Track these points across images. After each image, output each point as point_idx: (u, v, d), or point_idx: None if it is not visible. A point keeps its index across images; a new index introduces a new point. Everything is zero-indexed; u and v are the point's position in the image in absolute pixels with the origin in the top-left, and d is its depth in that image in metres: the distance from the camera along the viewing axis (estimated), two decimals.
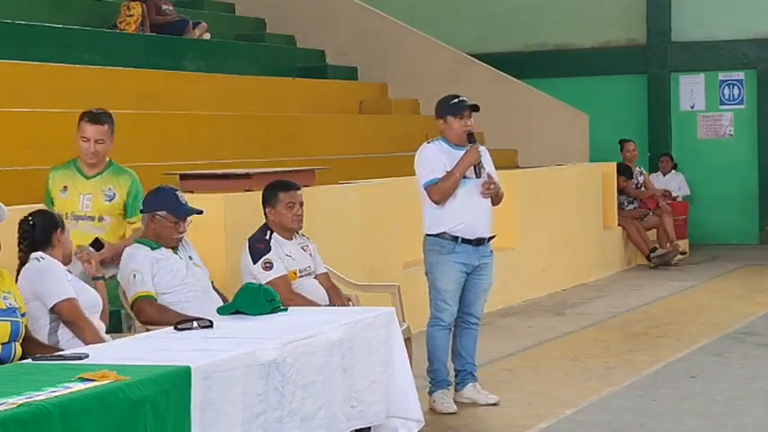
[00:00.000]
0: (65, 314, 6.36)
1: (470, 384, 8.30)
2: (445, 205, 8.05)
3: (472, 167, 8.04)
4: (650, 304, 12.77)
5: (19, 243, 6.51)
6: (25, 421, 4.29)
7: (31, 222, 6.54)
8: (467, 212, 8.06)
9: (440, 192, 8.02)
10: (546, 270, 13.62)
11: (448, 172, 8.01)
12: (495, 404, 8.21)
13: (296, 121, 13.68)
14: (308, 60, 16.60)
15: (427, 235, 8.17)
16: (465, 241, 8.09)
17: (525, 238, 13.24)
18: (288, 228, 7.85)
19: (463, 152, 8.04)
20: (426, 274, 8.24)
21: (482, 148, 8.16)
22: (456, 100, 8.16)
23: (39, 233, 6.49)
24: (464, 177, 8.04)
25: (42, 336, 6.33)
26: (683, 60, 18.61)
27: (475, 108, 8.14)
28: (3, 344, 5.90)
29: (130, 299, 7.15)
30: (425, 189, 8.06)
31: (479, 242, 8.15)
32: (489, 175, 8.10)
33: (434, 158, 8.06)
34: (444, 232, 8.08)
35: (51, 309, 6.35)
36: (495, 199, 8.23)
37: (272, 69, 15.11)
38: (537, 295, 13.25)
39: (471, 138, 8.09)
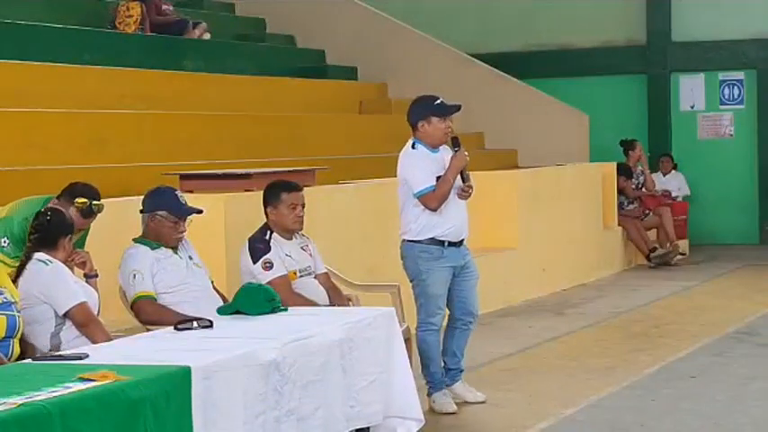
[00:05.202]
0: (78, 318, 6.37)
1: (459, 382, 8.32)
2: (435, 211, 8.00)
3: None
4: (650, 304, 12.76)
5: (29, 234, 6.51)
6: (25, 421, 4.29)
7: (48, 217, 6.53)
8: (454, 216, 8.03)
9: (438, 199, 7.94)
10: (546, 270, 13.61)
11: (440, 178, 7.94)
12: (482, 402, 8.23)
13: (296, 121, 13.67)
14: (308, 60, 16.59)
15: (412, 241, 8.06)
16: (451, 244, 8.08)
17: (525, 238, 13.24)
18: (289, 228, 7.84)
19: (440, 154, 8.00)
20: (412, 280, 8.17)
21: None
22: (439, 101, 8.08)
23: (51, 232, 6.48)
24: None
25: (45, 337, 6.34)
26: (683, 60, 18.59)
27: (457, 108, 8.12)
28: None
29: (130, 299, 7.15)
30: (421, 197, 7.95)
31: (461, 243, 8.16)
32: (469, 178, 8.08)
33: (425, 165, 7.97)
34: (432, 238, 8.02)
35: (65, 314, 6.35)
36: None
37: (272, 69, 15.10)
38: (537, 295, 13.24)
39: (457, 142, 8.04)
